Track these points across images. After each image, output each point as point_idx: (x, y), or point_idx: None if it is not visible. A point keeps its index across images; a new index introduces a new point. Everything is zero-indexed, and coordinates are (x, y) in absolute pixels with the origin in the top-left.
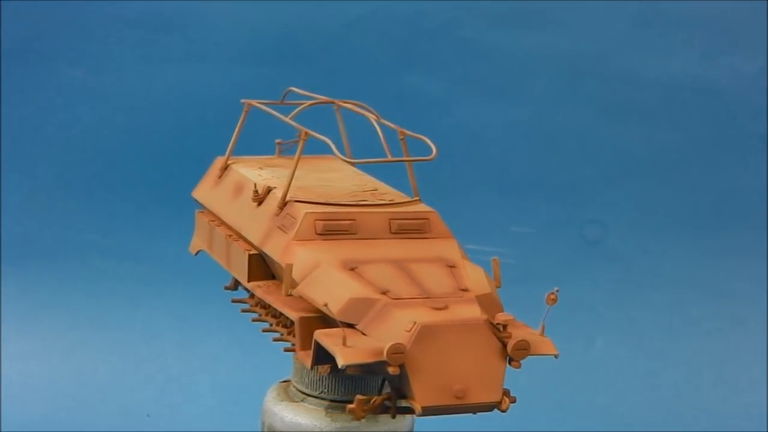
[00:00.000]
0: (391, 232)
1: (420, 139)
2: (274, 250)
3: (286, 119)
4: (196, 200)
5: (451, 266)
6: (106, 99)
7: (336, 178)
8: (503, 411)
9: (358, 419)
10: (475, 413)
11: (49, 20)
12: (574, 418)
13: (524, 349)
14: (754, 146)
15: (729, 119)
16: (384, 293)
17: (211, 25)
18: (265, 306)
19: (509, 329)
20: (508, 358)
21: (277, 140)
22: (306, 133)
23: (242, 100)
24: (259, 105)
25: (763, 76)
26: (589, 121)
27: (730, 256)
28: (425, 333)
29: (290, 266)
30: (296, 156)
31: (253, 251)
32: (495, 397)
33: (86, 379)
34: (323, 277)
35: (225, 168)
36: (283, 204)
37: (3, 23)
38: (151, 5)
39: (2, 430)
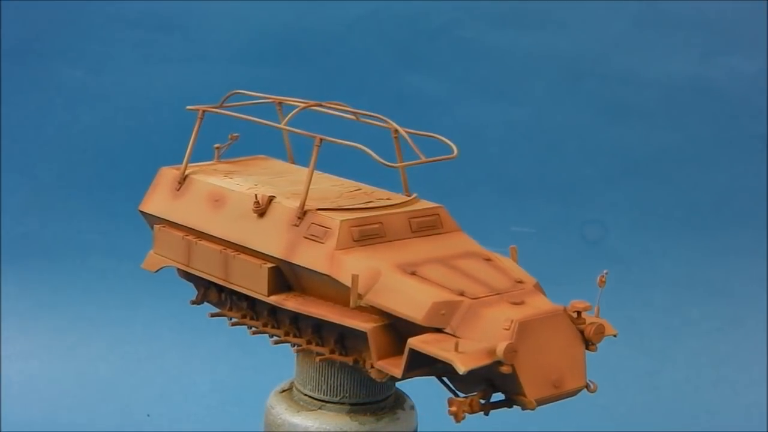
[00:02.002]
0: (412, 231)
1: (438, 139)
2: (311, 261)
3: (289, 127)
4: (146, 214)
5: (487, 259)
6: (106, 99)
7: (303, 180)
8: (592, 392)
9: (459, 421)
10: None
11: (49, 20)
12: (574, 418)
13: (602, 332)
14: (754, 146)
15: (729, 119)
16: (461, 294)
17: (211, 25)
18: (255, 318)
19: (583, 315)
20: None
21: (216, 145)
22: (321, 139)
23: (188, 108)
24: (216, 110)
25: (763, 76)
26: (589, 121)
27: (730, 256)
28: (523, 329)
29: (357, 277)
30: (311, 163)
31: (271, 264)
32: (583, 382)
33: (86, 379)
34: (393, 284)
35: (183, 179)
36: (303, 213)
37: (3, 23)
38: (151, 5)
39: (2, 430)
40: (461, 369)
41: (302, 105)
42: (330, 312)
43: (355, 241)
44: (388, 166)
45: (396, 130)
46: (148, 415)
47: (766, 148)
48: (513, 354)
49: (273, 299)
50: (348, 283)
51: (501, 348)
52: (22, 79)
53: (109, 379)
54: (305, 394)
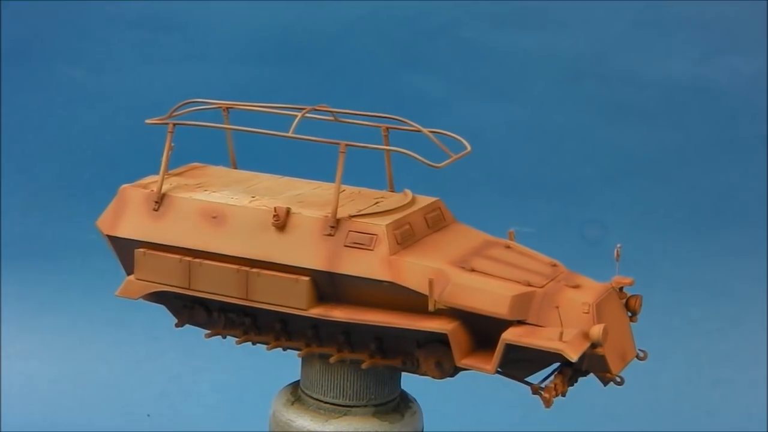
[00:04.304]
0: (429, 228)
1: (452, 137)
2: (364, 269)
3: (297, 135)
4: (118, 238)
5: (507, 246)
6: (106, 99)
7: (283, 185)
8: (642, 360)
9: (549, 407)
10: None
11: (49, 20)
12: (575, 418)
13: (641, 303)
14: (754, 146)
15: (729, 119)
16: (528, 284)
17: (211, 25)
18: (259, 332)
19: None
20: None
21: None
22: (346, 145)
23: (149, 121)
24: (188, 123)
25: (763, 76)
26: (589, 121)
27: (730, 256)
28: (599, 310)
29: (432, 281)
30: (338, 170)
31: (307, 277)
32: (635, 352)
33: (86, 379)
34: (464, 282)
35: (161, 198)
36: (336, 222)
37: (3, 23)
38: (151, 5)
39: (2, 430)
40: (573, 357)
41: (302, 112)
42: (391, 318)
43: (398, 244)
44: (431, 166)
45: (387, 128)
46: (148, 415)
47: (766, 148)
48: (606, 335)
49: (315, 312)
50: (414, 287)
51: (598, 331)
52: (22, 79)
53: (109, 380)
54: (327, 402)
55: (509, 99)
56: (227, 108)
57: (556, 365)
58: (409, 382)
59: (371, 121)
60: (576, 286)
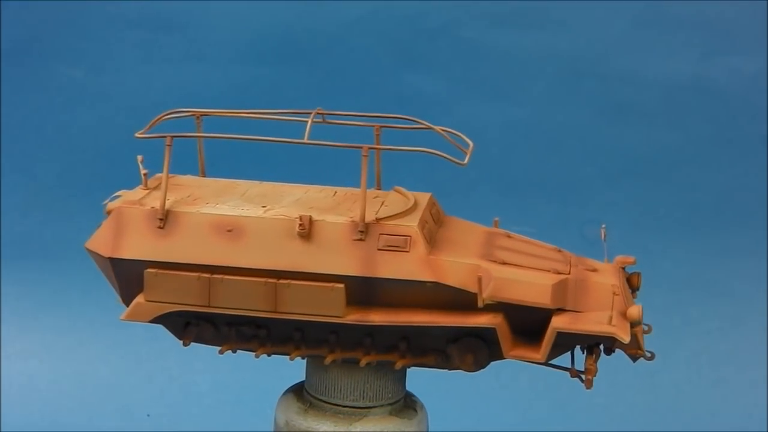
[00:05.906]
0: (435, 223)
1: (458, 135)
2: (404, 271)
3: (312, 141)
4: (122, 260)
5: (509, 236)
6: (106, 99)
7: (272, 190)
8: (647, 333)
9: (590, 388)
10: None
11: (49, 20)
12: (575, 418)
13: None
14: (754, 146)
15: (729, 119)
16: (557, 272)
17: (211, 25)
18: (275, 344)
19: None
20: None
21: (144, 170)
22: (368, 148)
23: (138, 135)
24: (185, 135)
25: (763, 76)
26: (589, 121)
27: (730, 256)
28: (623, 292)
29: (481, 278)
30: (363, 174)
31: (341, 284)
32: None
33: (86, 379)
34: (506, 276)
35: (166, 215)
36: (365, 227)
37: (3, 23)
38: (151, 5)
39: (2, 430)
40: (626, 339)
41: (311, 117)
42: (434, 317)
43: (428, 243)
44: (456, 163)
45: (380, 128)
46: (148, 415)
47: (766, 148)
48: (642, 315)
49: (352, 318)
50: (458, 285)
51: (638, 312)
52: (22, 79)
53: (109, 379)
54: (346, 405)
55: (509, 99)
56: (201, 116)
57: (572, 348)
58: (408, 381)
59: (378, 122)
60: (593, 270)
